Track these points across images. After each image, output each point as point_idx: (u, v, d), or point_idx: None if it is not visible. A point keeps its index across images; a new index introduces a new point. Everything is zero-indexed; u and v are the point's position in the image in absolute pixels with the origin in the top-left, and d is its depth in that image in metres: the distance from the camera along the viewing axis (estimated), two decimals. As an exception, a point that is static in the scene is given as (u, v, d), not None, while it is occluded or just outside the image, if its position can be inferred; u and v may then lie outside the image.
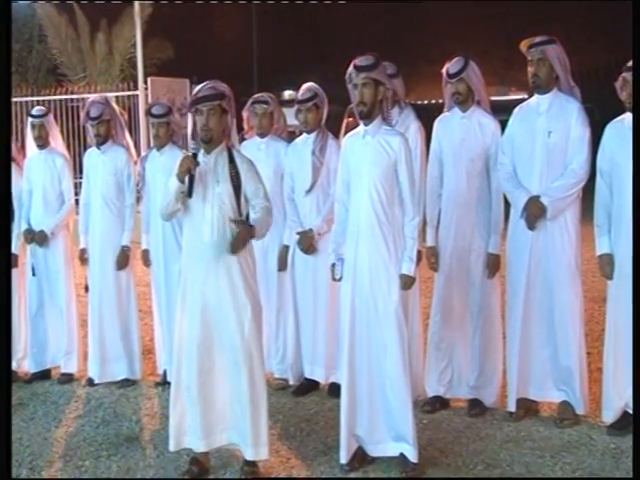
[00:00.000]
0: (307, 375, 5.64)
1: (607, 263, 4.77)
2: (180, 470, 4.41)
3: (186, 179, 4.14)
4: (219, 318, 4.24)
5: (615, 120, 4.82)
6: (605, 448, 4.58)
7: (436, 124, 5.30)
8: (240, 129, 6.11)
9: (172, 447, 4.39)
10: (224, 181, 4.25)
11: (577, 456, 4.52)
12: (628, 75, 4.66)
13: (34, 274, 6.04)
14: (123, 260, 5.88)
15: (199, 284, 4.26)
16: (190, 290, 4.30)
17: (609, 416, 4.78)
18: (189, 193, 4.18)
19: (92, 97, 6.35)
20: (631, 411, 4.72)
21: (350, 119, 4.67)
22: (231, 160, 4.29)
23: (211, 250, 4.23)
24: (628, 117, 4.73)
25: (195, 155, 4.19)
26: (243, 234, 4.19)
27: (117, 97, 11.02)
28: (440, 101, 5.47)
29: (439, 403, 5.20)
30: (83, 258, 5.98)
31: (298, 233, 5.52)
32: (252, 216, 4.30)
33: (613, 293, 4.81)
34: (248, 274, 4.30)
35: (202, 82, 4.40)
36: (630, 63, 4.70)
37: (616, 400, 4.76)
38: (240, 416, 4.28)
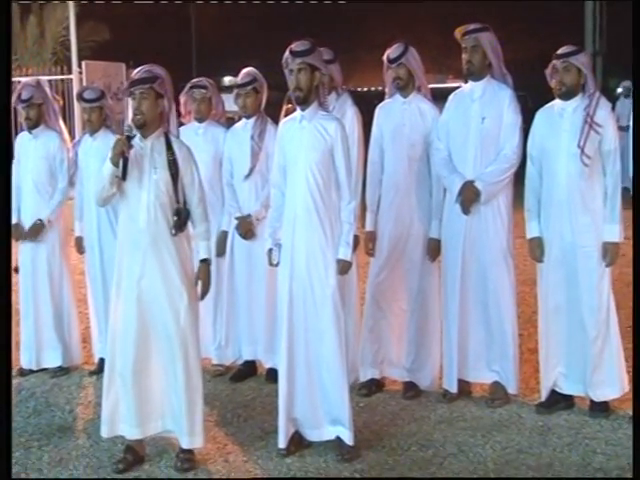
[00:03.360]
0: (246, 357, 5.63)
1: (537, 246, 4.86)
2: (114, 459, 4.33)
3: (120, 162, 4.06)
4: (155, 306, 4.20)
5: (545, 107, 4.92)
6: (533, 426, 4.71)
7: (377, 110, 5.33)
8: (178, 114, 6.09)
9: (105, 434, 4.35)
10: (161, 168, 4.20)
11: (507, 434, 4.61)
12: (558, 63, 4.74)
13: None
14: (32, 232, 5.73)
15: (134, 271, 4.21)
16: (126, 277, 4.24)
17: (543, 395, 4.89)
18: (123, 176, 4.10)
19: (24, 80, 6.19)
20: (559, 390, 4.86)
21: (289, 105, 4.62)
22: (169, 147, 4.22)
23: (146, 237, 4.18)
24: (557, 103, 4.83)
25: (129, 137, 4.10)
26: (205, 278, 4.33)
27: (50, 81, 10.82)
28: (379, 88, 5.50)
29: (375, 386, 5.25)
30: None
31: (237, 218, 5.51)
32: (199, 241, 4.37)
33: (543, 276, 4.90)
34: (185, 261, 4.26)
35: (139, 66, 4.33)
36: (561, 50, 4.75)
37: (545, 380, 4.88)
38: (175, 404, 4.25)
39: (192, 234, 4.38)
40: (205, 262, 4.35)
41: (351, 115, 5.30)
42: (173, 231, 4.18)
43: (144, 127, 4.19)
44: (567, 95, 4.75)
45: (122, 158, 4.07)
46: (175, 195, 4.23)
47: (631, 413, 4.69)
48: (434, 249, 5.12)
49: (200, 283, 4.32)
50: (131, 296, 4.21)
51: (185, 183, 4.24)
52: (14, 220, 5.75)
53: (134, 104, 4.18)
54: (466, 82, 5.15)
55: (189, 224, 4.30)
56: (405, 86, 5.16)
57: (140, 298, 4.20)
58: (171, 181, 4.21)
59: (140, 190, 4.18)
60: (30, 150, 5.82)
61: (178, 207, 4.20)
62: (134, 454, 4.32)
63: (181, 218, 4.20)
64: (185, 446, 4.28)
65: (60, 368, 5.86)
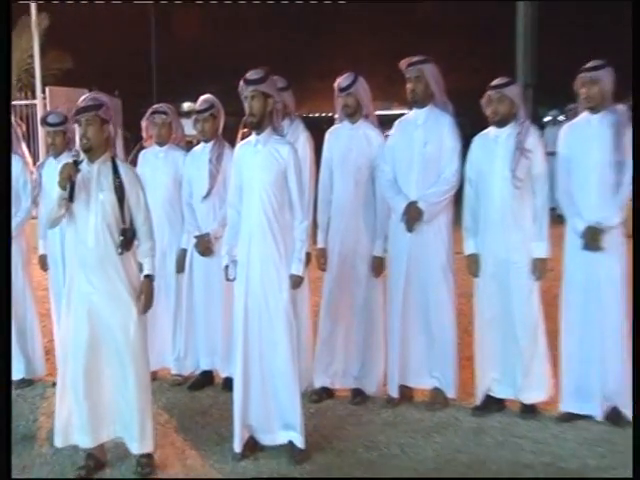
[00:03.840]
0: (204, 367, 5.72)
1: (473, 262, 5.04)
2: (76, 465, 4.39)
3: (67, 186, 4.15)
4: (104, 320, 4.26)
5: (480, 134, 5.10)
6: (469, 427, 4.86)
7: (327, 135, 5.47)
8: (140, 138, 6.19)
9: (59, 444, 4.40)
10: (108, 190, 4.26)
11: (445, 435, 4.75)
12: (492, 93, 4.92)
13: None
14: None
15: (84, 289, 4.27)
16: (75, 294, 4.30)
17: (478, 399, 5.07)
18: (70, 199, 4.17)
19: None
20: (493, 394, 5.05)
21: (245, 130, 4.74)
22: (115, 170, 4.29)
23: (94, 256, 4.25)
24: (492, 130, 5.01)
25: (76, 162, 4.18)
26: (147, 293, 4.34)
27: (15, 106, 10.84)
28: (329, 114, 5.65)
29: (325, 393, 5.38)
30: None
31: (195, 237, 5.60)
32: (143, 258, 4.41)
33: (479, 289, 5.08)
34: (132, 277, 4.33)
35: (101, 92, 4.46)
36: (495, 82, 4.96)
37: (481, 385, 5.07)
38: (126, 412, 4.31)
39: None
40: (148, 278, 4.38)
41: (303, 140, 5.41)
42: (119, 250, 4.26)
43: (90, 151, 4.27)
44: (501, 123, 4.93)
45: (69, 182, 4.14)
46: (121, 216, 4.28)
47: (556, 415, 4.93)
48: (378, 266, 5.27)
49: (143, 297, 4.34)
50: (82, 312, 4.27)
51: (131, 204, 4.30)
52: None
53: (80, 130, 4.27)
54: (410, 109, 5.30)
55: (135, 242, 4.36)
56: (353, 113, 5.29)
57: (90, 313, 4.26)
58: (117, 203, 4.25)
59: (87, 212, 4.24)
60: None
61: (124, 227, 4.27)
62: (95, 460, 4.38)
63: (127, 238, 4.28)
64: (135, 451, 4.34)
65: (23, 380, 5.89)
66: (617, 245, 4.86)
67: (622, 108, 4.97)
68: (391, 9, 22.71)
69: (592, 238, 4.83)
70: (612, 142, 4.83)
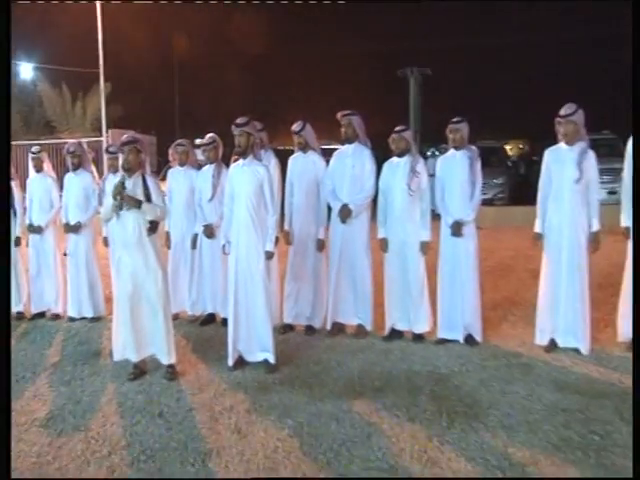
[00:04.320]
0: (209, 310, 5.62)
1: (384, 243, 4.98)
2: (127, 372, 4.34)
3: (118, 197, 4.14)
4: (140, 279, 4.23)
5: (388, 161, 5.01)
6: (380, 349, 4.82)
7: (289, 161, 5.34)
8: (167, 161, 6.08)
9: (116, 358, 4.36)
10: (140, 195, 4.20)
11: (365, 355, 4.69)
12: (395, 136, 4.85)
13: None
14: (74, 228, 5.75)
15: (126, 259, 4.24)
16: (123, 263, 4.25)
17: (386, 331, 5.02)
18: (120, 207, 4.16)
19: (71, 141, 6.20)
20: (396, 327, 4.96)
21: (236, 157, 4.63)
22: (144, 182, 4.23)
23: (133, 238, 4.21)
24: (395, 159, 4.92)
25: (122, 183, 4.15)
26: (129, 199, 4.13)
27: (88, 142, 11.18)
28: (290, 147, 5.55)
29: (289, 328, 5.30)
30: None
31: (203, 226, 5.50)
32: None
33: (387, 260, 5.01)
34: (157, 250, 4.29)
35: (143, 132, 4.41)
36: (396, 128, 4.87)
37: (388, 321, 5.02)
38: (157, 336, 4.29)
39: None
40: (139, 201, 4.16)
41: (274, 164, 5.35)
42: (149, 233, 4.22)
43: (129, 171, 4.21)
44: (400, 155, 4.89)
45: (120, 196, 4.13)
46: None
47: (435, 340, 4.86)
48: (321, 245, 5.18)
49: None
50: (125, 274, 4.24)
51: (154, 200, 4.21)
52: (64, 221, 5.82)
53: (123, 157, 4.24)
54: (343, 145, 5.18)
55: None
56: (304, 147, 5.22)
57: (132, 275, 4.22)
58: (147, 204, 4.19)
59: (128, 210, 4.18)
60: (73, 184, 5.82)
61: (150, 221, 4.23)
62: (139, 369, 4.35)
63: (153, 225, 4.24)
64: (165, 362, 4.30)
65: (93, 318, 5.81)
66: (471, 233, 4.86)
67: (474, 147, 4.93)
68: (331, 75, 22.98)
69: (456, 228, 4.81)
70: (468, 168, 4.80)
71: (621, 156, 4.76)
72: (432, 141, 15.68)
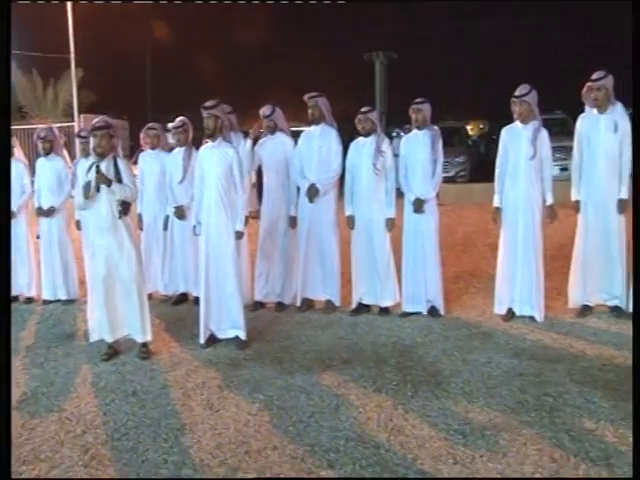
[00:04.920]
0: (181, 290, 5.51)
1: (351, 220, 4.91)
2: (101, 352, 4.22)
3: (94, 178, 4.00)
4: (115, 261, 4.10)
5: (354, 141, 4.92)
6: (348, 323, 4.78)
7: (258, 143, 5.22)
8: (139, 145, 5.91)
9: (91, 339, 4.24)
10: (111, 178, 4.03)
11: (334, 329, 4.65)
12: (361, 116, 4.77)
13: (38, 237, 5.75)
14: (48, 212, 5.55)
15: (101, 242, 4.10)
16: (97, 246, 4.12)
17: (353, 305, 4.97)
18: (97, 188, 4.02)
19: (41, 126, 5.97)
20: (362, 301, 4.90)
21: (207, 139, 4.49)
22: (115, 164, 4.08)
23: (107, 221, 4.07)
24: (361, 139, 4.83)
25: (97, 165, 4.00)
26: (100, 177, 3.98)
27: (60, 127, 10.87)
28: (260, 130, 5.41)
29: (260, 305, 5.23)
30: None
31: (174, 207, 5.37)
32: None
33: (354, 236, 4.94)
34: (130, 231, 4.15)
35: (116, 117, 4.26)
36: (363, 109, 4.80)
37: (355, 296, 4.96)
38: (132, 317, 4.17)
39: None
40: (110, 180, 4.01)
41: (243, 145, 5.20)
42: (119, 215, 4.06)
43: (102, 155, 4.05)
44: (366, 135, 4.81)
45: (96, 175, 4.00)
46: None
47: (400, 313, 4.83)
48: (293, 221, 5.09)
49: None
50: (100, 256, 4.10)
51: (124, 181, 4.06)
52: (37, 205, 5.62)
53: (95, 141, 4.05)
54: (310, 126, 5.09)
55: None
56: (274, 129, 5.10)
57: (106, 258, 4.08)
58: (117, 184, 4.04)
59: (99, 193, 4.03)
60: (46, 169, 5.60)
61: (122, 200, 4.06)
62: (114, 349, 4.23)
63: (124, 207, 4.08)
64: (140, 340, 4.20)
65: (67, 300, 5.65)
66: (433, 209, 4.82)
67: (436, 127, 4.87)
68: (302, 59, 22.66)
69: (418, 205, 4.77)
70: (430, 147, 4.74)
71: (572, 135, 4.76)
72: (397, 122, 15.62)
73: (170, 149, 5.67)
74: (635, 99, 4.05)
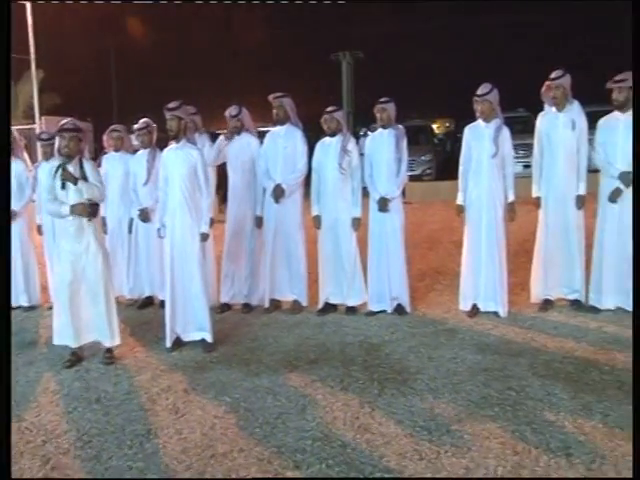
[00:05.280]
0: (147, 293, 5.43)
1: (317, 220, 4.90)
2: (64, 360, 4.12)
3: (62, 181, 3.92)
4: (81, 264, 4.00)
5: (320, 141, 4.91)
6: (315, 323, 4.76)
7: (227, 145, 5.14)
8: (102, 147, 5.81)
9: (56, 342, 4.13)
10: (78, 179, 3.94)
11: (301, 329, 4.63)
12: (327, 116, 4.77)
13: None
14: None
15: (67, 246, 3.99)
16: (63, 251, 4.01)
17: (320, 305, 4.94)
18: (63, 186, 3.93)
19: None
20: (329, 301, 4.90)
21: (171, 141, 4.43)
22: (82, 166, 3.97)
23: (73, 225, 3.96)
24: (327, 139, 4.83)
25: (64, 164, 3.90)
26: (66, 175, 3.89)
27: (21, 129, 10.64)
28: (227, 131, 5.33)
29: (227, 307, 5.18)
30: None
31: (139, 210, 5.28)
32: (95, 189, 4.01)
33: (320, 237, 4.95)
34: (97, 234, 4.07)
35: (81, 119, 4.21)
36: (328, 109, 4.80)
37: (322, 295, 4.95)
38: (99, 321, 4.08)
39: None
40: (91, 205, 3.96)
41: (208, 147, 5.17)
42: (89, 218, 3.96)
43: (69, 157, 3.94)
44: (332, 134, 4.80)
45: (65, 178, 3.91)
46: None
47: (366, 311, 4.83)
48: (259, 222, 5.05)
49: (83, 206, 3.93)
50: (66, 260, 3.99)
51: (90, 181, 3.96)
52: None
53: (63, 142, 3.94)
54: (275, 126, 5.07)
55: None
56: (240, 130, 5.06)
57: (72, 262, 3.98)
58: (84, 183, 3.94)
59: (67, 196, 3.94)
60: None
61: (91, 202, 3.96)
62: (77, 356, 4.13)
63: (93, 209, 3.98)
64: (108, 345, 4.11)
65: (28, 307, 5.51)
66: (398, 208, 4.83)
67: (400, 126, 4.89)
68: (269, 59, 22.68)
69: (383, 204, 4.78)
70: (395, 146, 4.76)
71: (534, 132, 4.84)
72: (365, 121, 15.70)
73: (134, 151, 5.59)
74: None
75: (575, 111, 4.59)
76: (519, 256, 5.80)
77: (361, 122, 16.37)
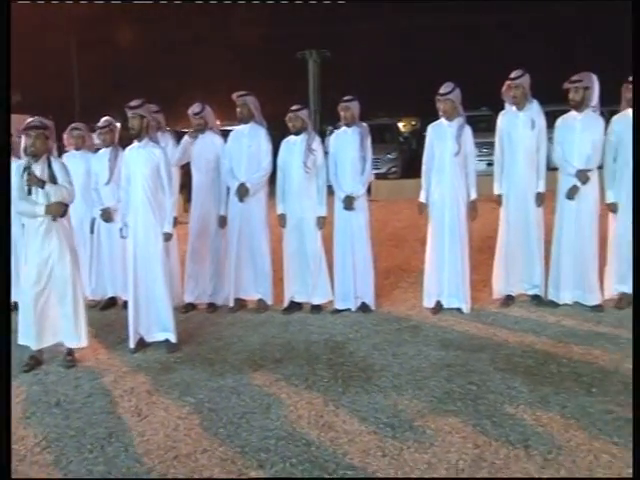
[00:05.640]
0: (110, 294, 5.34)
1: (282, 218, 4.88)
2: (23, 364, 3.99)
3: (25, 180, 3.83)
4: (50, 265, 3.91)
5: (285, 139, 4.89)
6: (280, 322, 4.74)
7: (191, 144, 5.08)
8: (63, 145, 5.66)
9: (19, 341, 3.99)
10: (46, 177, 3.85)
11: (266, 328, 4.61)
12: (291, 115, 4.75)
13: None
14: None
15: (37, 246, 3.90)
16: (31, 248, 3.92)
17: (285, 303, 4.92)
18: (29, 191, 3.84)
19: None
20: (295, 299, 4.88)
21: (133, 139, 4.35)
22: (49, 165, 3.89)
23: (43, 225, 3.88)
24: (292, 137, 4.82)
25: (29, 167, 3.82)
26: (32, 179, 3.81)
27: None
28: (190, 129, 5.25)
29: (191, 306, 5.12)
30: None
31: (101, 209, 5.17)
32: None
33: (285, 235, 4.92)
34: (67, 234, 3.97)
35: (42, 116, 4.10)
36: (293, 107, 4.77)
37: (287, 294, 4.92)
38: (66, 322, 3.98)
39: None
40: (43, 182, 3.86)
41: (171, 146, 5.12)
42: (53, 218, 3.87)
43: (36, 156, 3.85)
44: (297, 133, 4.79)
45: (29, 181, 3.82)
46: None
47: (331, 310, 4.83)
48: (222, 221, 5.00)
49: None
50: (35, 260, 3.90)
51: (60, 181, 3.89)
52: None
53: (29, 140, 3.84)
54: (239, 125, 5.01)
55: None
56: (203, 128, 5.01)
57: (40, 263, 3.89)
58: (52, 184, 3.86)
59: (36, 194, 3.84)
60: None
61: (59, 201, 3.87)
62: (35, 360, 4.02)
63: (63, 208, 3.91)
64: (75, 346, 4.02)
65: None
66: (363, 206, 4.85)
67: (365, 124, 4.90)
68: (234, 59, 22.44)
69: (348, 203, 4.79)
70: (359, 144, 4.78)
71: None
72: (332, 120, 15.71)
73: (96, 150, 5.47)
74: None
75: (534, 110, 4.69)
76: (482, 253, 5.90)
77: (328, 120, 16.38)
